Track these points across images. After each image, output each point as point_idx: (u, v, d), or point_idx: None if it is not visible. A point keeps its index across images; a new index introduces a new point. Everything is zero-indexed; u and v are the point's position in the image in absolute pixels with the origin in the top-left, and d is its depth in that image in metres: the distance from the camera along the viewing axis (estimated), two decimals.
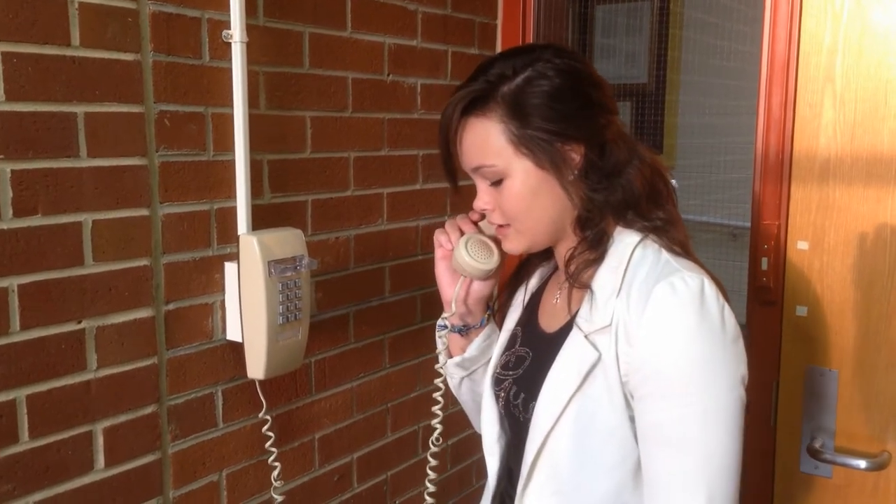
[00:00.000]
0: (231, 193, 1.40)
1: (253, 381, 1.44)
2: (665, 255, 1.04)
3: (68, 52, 1.16)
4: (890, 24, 1.49)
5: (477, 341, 1.27)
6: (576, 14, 3.13)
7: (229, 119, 1.38)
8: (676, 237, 1.07)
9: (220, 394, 1.42)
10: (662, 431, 0.99)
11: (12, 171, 1.11)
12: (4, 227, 1.11)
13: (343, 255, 1.65)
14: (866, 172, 1.52)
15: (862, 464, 1.52)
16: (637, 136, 3.31)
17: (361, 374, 1.72)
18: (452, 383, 1.30)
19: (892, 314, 1.52)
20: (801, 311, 1.60)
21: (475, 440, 1.96)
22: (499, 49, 1.98)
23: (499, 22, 2.00)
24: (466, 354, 1.26)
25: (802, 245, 1.59)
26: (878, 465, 1.52)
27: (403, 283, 1.79)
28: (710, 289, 1.00)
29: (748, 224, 1.65)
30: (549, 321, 1.17)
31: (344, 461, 1.71)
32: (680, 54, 3.27)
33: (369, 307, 1.72)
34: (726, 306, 1.01)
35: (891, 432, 1.54)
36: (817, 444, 1.57)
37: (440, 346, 1.25)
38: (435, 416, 1.23)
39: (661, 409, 0.99)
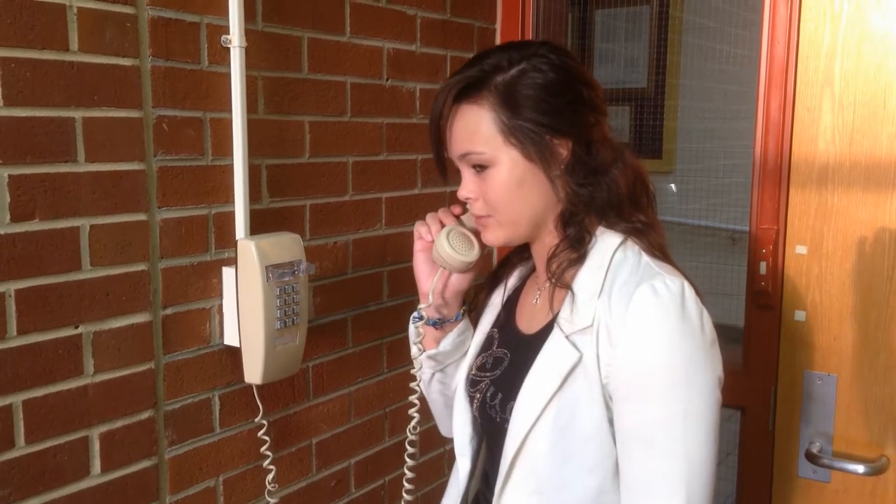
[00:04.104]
0: (229, 198, 1.40)
1: (250, 386, 1.44)
2: (645, 258, 1.06)
3: (67, 58, 1.16)
4: (889, 27, 1.49)
5: (451, 336, 1.26)
6: (575, 18, 3.14)
7: (228, 124, 1.38)
8: (656, 241, 1.09)
9: (217, 399, 1.42)
10: (643, 433, 1.00)
11: (10, 177, 1.11)
12: (2, 232, 1.11)
13: (341, 259, 1.64)
14: (865, 177, 1.52)
15: (860, 469, 1.52)
16: (636, 140, 3.32)
17: (359, 379, 1.72)
18: (424, 378, 1.29)
19: (891, 319, 1.51)
20: (800, 315, 1.60)
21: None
22: None
23: (497, 26, 2.00)
24: (440, 348, 1.26)
25: (801, 249, 1.59)
26: (877, 470, 1.52)
27: (401, 287, 1.79)
28: (689, 292, 1.02)
29: (748, 228, 1.65)
30: (528, 323, 1.17)
31: (341, 466, 1.70)
32: (679, 59, 3.28)
33: (367, 312, 1.72)
34: (704, 310, 1.03)
35: (889, 437, 1.53)
36: (815, 449, 1.57)
37: (414, 336, 1.25)
38: (412, 405, 1.22)
39: (643, 410, 1.00)
